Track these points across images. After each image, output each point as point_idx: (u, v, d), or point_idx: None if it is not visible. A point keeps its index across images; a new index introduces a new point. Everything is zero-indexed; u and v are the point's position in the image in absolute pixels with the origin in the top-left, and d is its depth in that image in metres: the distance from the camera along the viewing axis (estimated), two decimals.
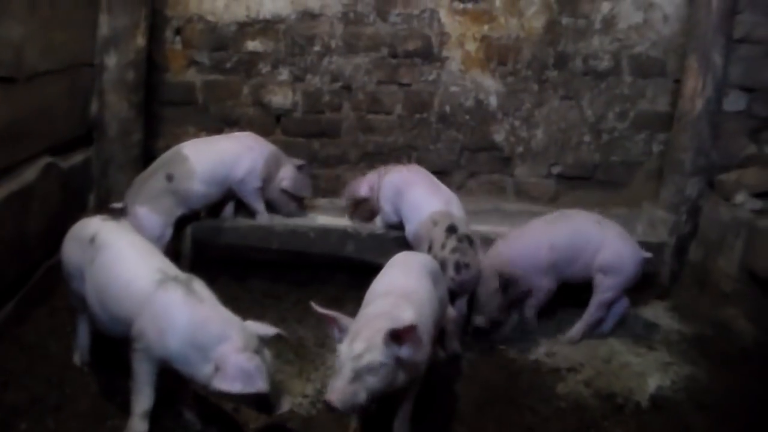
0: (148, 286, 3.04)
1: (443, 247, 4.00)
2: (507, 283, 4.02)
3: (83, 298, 3.29)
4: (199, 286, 3.10)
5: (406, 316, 2.96)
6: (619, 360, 4.01)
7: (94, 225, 3.39)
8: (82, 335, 3.56)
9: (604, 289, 4.16)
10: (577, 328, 4.21)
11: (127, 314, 3.05)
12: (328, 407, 2.74)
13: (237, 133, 4.77)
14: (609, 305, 4.21)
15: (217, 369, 2.86)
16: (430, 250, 4.03)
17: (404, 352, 2.82)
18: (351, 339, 2.82)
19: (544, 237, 4.16)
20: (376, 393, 2.82)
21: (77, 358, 3.58)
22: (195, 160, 4.34)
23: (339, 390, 2.74)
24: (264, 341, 2.99)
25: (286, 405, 3.03)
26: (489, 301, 4.06)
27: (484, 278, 4.04)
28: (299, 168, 4.77)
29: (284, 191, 4.68)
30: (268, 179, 4.61)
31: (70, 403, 3.30)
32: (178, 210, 4.32)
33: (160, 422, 3.14)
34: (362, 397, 2.77)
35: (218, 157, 4.45)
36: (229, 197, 4.61)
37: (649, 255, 4.23)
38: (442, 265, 3.84)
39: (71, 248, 3.39)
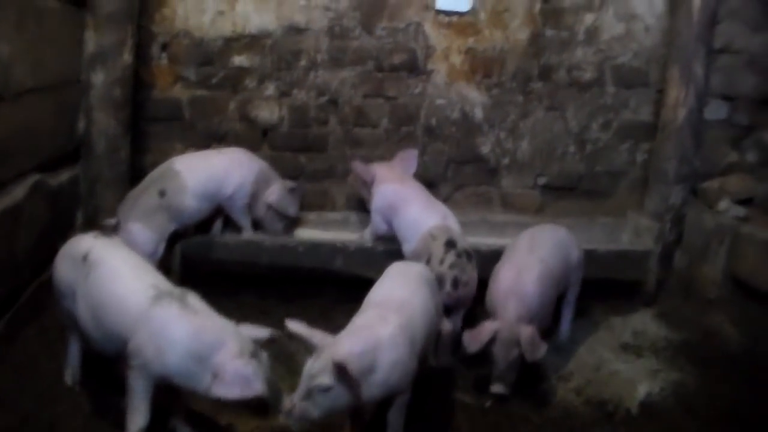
0: (143, 303, 3.04)
1: (442, 262, 4.02)
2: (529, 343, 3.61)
3: (74, 316, 3.29)
4: (193, 298, 3.11)
5: (385, 331, 3.02)
6: (608, 368, 4.06)
7: (86, 242, 3.39)
8: (73, 354, 3.55)
9: (578, 281, 4.29)
10: (567, 326, 4.33)
11: (122, 331, 3.04)
12: None
13: (228, 149, 4.79)
14: None
15: (215, 376, 2.89)
16: (428, 264, 4.02)
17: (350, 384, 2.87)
18: (316, 356, 2.88)
19: (542, 265, 3.95)
20: (332, 411, 2.91)
21: (68, 377, 3.56)
22: (187, 175, 4.37)
23: (291, 405, 2.84)
24: (259, 344, 3.02)
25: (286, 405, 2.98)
26: (510, 370, 3.65)
27: (504, 345, 3.61)
28: (291, 190, 4.78)
29: (270, 207, 4.70)
30: (256, 196, 4.64)
31: (62, 422, 3.29)
32: (170, 226, 4.34)
33: None
34: (314, 413, 2.85)
35: (209, 173, 4.48)
36: (218, 213, 4.63)
37: None
38: (440, 279, 3.89)
39: (63, 266, 3.38)
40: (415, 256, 4.21)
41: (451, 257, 4.03)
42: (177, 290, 3.15)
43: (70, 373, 3.57)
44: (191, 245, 4.58)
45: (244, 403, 2.98)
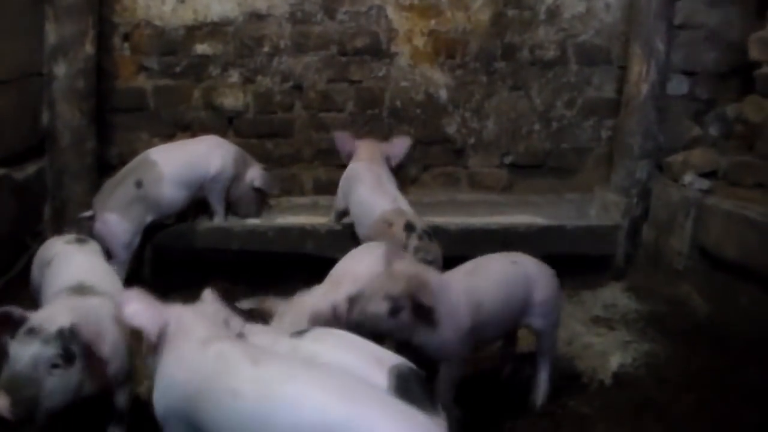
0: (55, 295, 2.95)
1: (405, 248, 3.93)
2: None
3: None
4: (98, 299, 2.88)
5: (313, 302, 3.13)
6: (581, 341, 4.11)
7: (56, 247, 3.38)
8: None
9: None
10: None
11: None
12: None
13: (202, 136, 4.78)
14: None
15: None
16: None
17: None
18: (279, 317, 3.08)
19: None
20: None
21: None
22: (163, 164, 4.34)
23: None
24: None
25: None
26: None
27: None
28: (265, 170, 4.84)
29: (256, 189, 4.75)
30: (237, 178, 4.65)
31: None
32: (148, 217, 4.30)
33: None
34: None
35: (188, 159, 4.47)
36: (194, 204, 4.64)
37: None
38: None
39: (35, 268, 3.41)
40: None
41: (414, 241, 3.96)
42: (101, 290, 2.95)
43: None
44: (161, 234, 4.56)
45: None
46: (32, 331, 2.49)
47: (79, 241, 3.49)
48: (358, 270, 3.28)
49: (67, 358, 2.51)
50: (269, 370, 2.31)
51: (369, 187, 4.38)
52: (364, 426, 2.09)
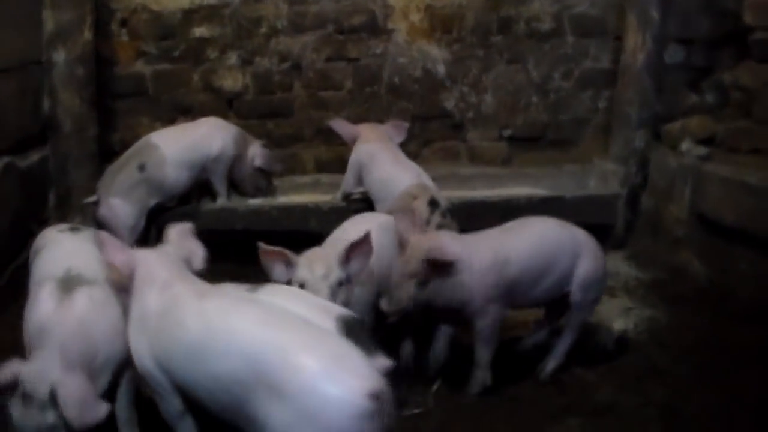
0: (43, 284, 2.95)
1: (428, 223, 3.89)
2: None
3: None
4: (82, 294, 2.84)
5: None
6: None
7: (49, 236, 3.40)
8: None
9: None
10: None
11: None
12: None
13: (202, 119, 4.82)
14: None
15: None
16: None
17: (353, 268, 3.06)
18: (308, 265, 3.05)
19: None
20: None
21: None
22: (165, 147, 4.41)
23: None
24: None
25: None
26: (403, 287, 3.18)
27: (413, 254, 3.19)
28: (264, 146, 4.88)
29: (258, 169, 4.80)
30: (238, 158, 4.69)
31: None
32: (151, 200, 4.39)
33: None
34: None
35: (189, 141, 4.53)
36: (197, 186, 4.69)
37: None
38: None
39: (30, 257, 3.42)
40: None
41: (437, 218, 3.93)
42: (90, 278, 2.93)
43: None
44: (165, 216, 4.60)
45: None
46: (27, 398, 2.50)
47: (72, 230, 3.51)
48: (354, 237, 3.30)
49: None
50: (212, 304, 2.52)
51: (389, 164, 4.42)
52: (279, 349, 2.25)
